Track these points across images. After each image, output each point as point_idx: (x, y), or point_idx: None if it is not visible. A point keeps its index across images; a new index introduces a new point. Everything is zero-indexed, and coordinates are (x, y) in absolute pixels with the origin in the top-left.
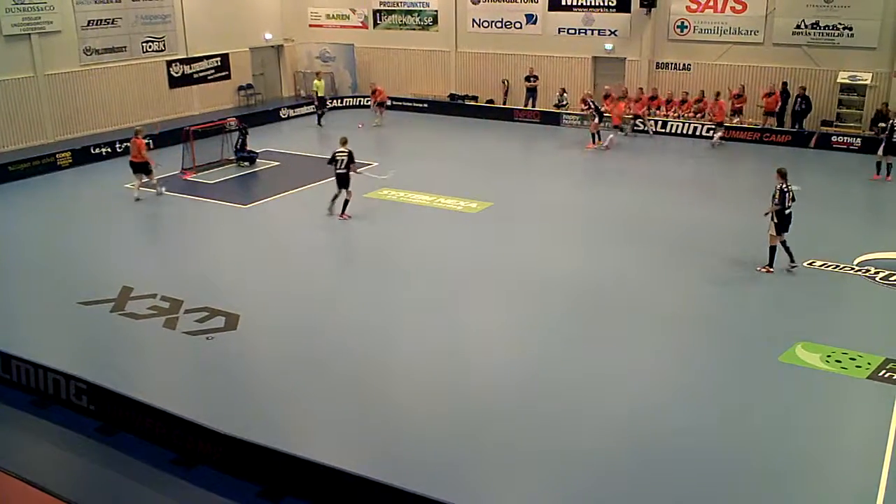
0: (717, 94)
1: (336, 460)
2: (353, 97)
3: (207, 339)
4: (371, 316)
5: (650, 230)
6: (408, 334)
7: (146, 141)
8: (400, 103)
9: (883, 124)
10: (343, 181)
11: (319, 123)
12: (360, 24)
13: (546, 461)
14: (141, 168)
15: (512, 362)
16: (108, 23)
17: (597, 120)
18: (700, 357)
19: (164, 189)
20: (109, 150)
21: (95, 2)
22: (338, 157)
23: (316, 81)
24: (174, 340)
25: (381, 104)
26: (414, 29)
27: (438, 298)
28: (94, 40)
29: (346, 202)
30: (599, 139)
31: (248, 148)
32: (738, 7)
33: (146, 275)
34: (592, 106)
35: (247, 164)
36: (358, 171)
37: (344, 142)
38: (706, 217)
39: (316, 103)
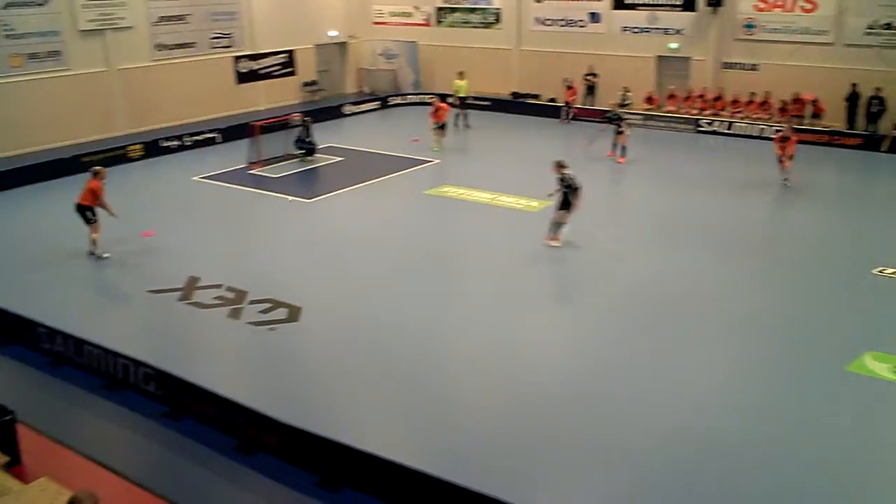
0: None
1: (394, 454)
2: (415, 94)
3: (270, 329)
4: (430, 312)
5: (713, 232)
6: (467, 331)
7: (103, 183)
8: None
9: None
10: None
11: (456, 125)
12: (424, 22)
13: (608, 463)
14: (87, 215)
15: (573, 363)
16: (179, 19)
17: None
18: (765, 363)
19: (107, 255)
20: (179, 143)
21: None
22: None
23: (458, 81)
24: (238, 330)
25: (440, 126)
26: (477, 26)
27: (498, 295)
28: (164, 36)
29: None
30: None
31: (309, 139)
32: (808, 6)
33: (212, 265)
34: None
35: (305, 154)
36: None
37: (563, 165)
38: (773, 220)
39: (457, 104)
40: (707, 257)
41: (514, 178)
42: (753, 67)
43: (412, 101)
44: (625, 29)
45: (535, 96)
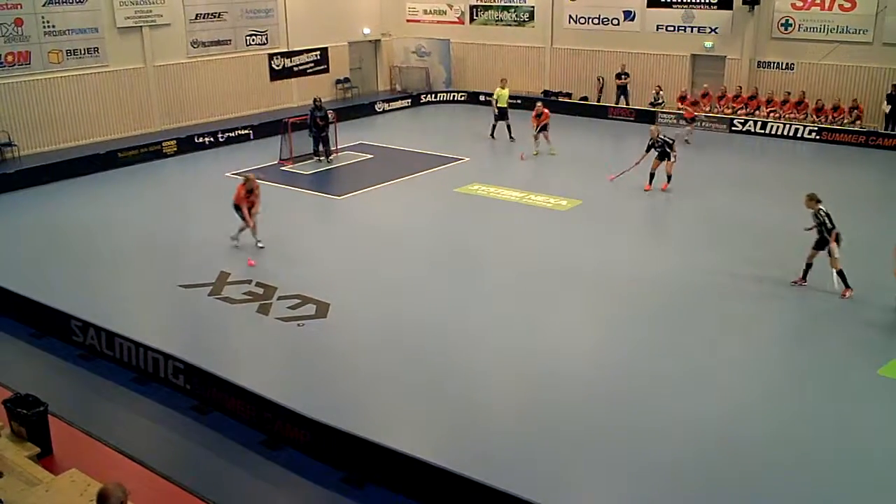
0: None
1: (419, 451)
2: (446, 91)
3: (299, 325)
4: (458, 311)
5: (745, 233)
6: (495, 331)
7: (248, 189)
8: (488, 97)
9: None
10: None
11: (492, 135)
12: (457, 20)
13: (630, 460)
14: (238, 213)
15: (596, 362)
16: (215, 16)
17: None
18: (798, 365)
19: (261, 244)
20: (212, 139)
21: None
22: None
23: (499, 90)
24: (267, 325)
25: (544, 128)
26: (510, 25)
27: (527, 295)
28: (200, 33)
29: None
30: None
31: (328, 141)
32: (847, 5)
33: (243, 261)
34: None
35: (321, 155)
36: None
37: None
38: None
39: (495, 113)
40: (730, 258)
41: (545, 177)
42: (789, 66)
43: (444, 98)
44: (659, 27)
45: (568, 95)
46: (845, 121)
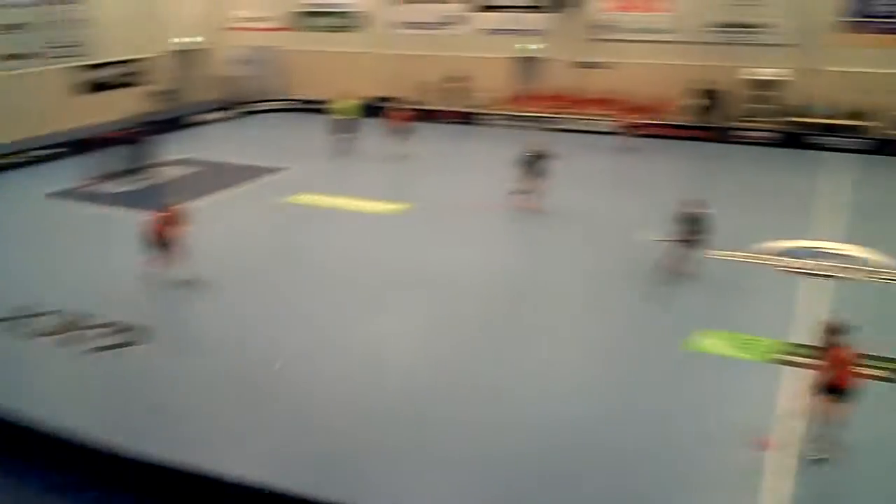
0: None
1: (244, 472)
2: (274, 100)
3: (110, 354)
4: (279, 325)
5: (552, 225)
6: (319, 342)
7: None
8: (319, 105)
9: None
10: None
11: (342, 152)
12: (283, 27)
13: (446, 454)
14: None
15: (415, 366)
16: (17, 28)
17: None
18: (605, 347)
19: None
20: (22, 157)
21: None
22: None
23: (340, 102)
24: (77, 357)
25: (403, 130)
26: (338, 30)
27: (357, 303)
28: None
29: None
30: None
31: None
32: (656, 6)
33: (47, 288)
34: None
35: (134, 175)
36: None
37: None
38: (609, 209)
39: (338, 126)
40: (537, 250)
41: (376, 183)
42: (607, 66)
43: (271, 107)
44: (485, 31)
45: (398, 99)
46: (662, 116)
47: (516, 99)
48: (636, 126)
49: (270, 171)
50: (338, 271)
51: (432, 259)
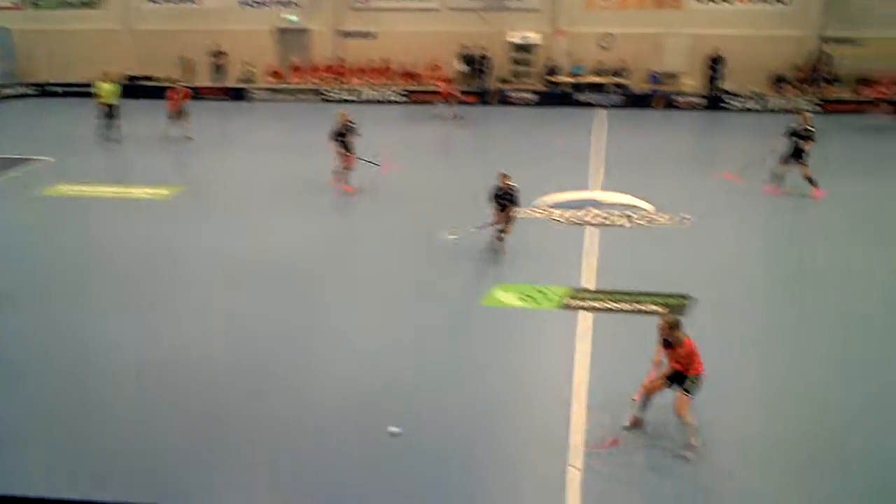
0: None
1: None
2: (10, 86)
3: None
4: (62, 319)
5: (318, 197)
6: (97, 344)
7: None
8: (64, 89)
9: None
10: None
11: (111, 137)
12: (14, 6)
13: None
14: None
15: (214, 348)
16: None
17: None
18: (409, 313)
19: None
20: None
21: None
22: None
23: (101, 84)
24: None
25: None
26: (77, 7)
27: (144, 294)
28: None
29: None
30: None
31: None
32: None
33: None
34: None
35: None
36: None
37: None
38: (407, 180)
39: (104, 111)
40: (324, 224)
41: (140, 167)
42: (371, 35)
43: (9, 94)
44: (242, 4)
45: (150, 79)
46: (433, 81)
47: (284, 72)
48: (407, 94)
49: (21, 162)
50: (100, 265)
51: (214, 243)
